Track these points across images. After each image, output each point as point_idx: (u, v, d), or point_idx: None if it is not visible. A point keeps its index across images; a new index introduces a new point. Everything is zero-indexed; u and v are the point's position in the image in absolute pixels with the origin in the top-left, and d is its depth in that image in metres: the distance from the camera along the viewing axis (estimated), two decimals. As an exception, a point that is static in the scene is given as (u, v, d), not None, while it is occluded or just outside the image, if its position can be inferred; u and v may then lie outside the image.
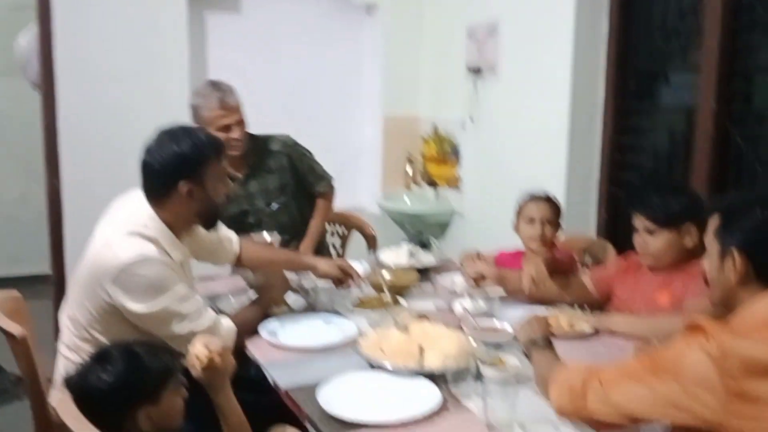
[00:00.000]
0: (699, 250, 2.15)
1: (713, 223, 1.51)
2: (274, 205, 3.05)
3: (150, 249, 1.95)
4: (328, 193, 3.22)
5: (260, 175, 3.02)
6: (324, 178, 3.20)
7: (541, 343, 1.79)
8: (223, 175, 2.11)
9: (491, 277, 2.44)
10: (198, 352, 1.67)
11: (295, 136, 3.13)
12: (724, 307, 1.47)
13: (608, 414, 1.43)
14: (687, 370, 1.31)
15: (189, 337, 1.96)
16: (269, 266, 2.48)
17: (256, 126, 3.03)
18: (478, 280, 2.47)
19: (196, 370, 1.66)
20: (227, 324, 2.08)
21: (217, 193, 2.07)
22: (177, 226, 2.06)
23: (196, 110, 2.85)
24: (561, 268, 2.58)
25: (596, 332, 2.20)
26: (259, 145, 3.01)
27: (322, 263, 2.51)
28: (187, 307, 1.98)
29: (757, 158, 2.80)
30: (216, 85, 2.86)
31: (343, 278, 2.47)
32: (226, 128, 2.83)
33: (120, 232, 1.97)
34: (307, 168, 3.13)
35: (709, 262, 1.52)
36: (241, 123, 2.88)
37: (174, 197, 2.01)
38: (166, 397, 1.61)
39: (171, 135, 2.01)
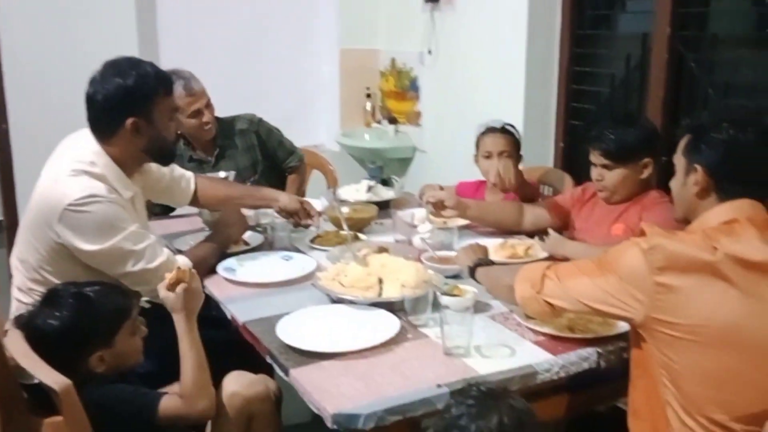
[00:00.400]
0: (653, 182, 2.21)
1: (683, 141, 1.54)
2: (247, 184, 3.01)
3: (98, 187, 1.91)
4: (299, 168, 3.21)
5: (230, 155, 3.01)
6: (294, 152, 3.18)
7: (483, 263, 1.88)
8: (172, 111, 2.05)
9: (451, 205, 2.45)
10: (181, 272, 1.68)
11: (249, 74, 3.07)
12: (686, 223, 1.53)
13: (561, 299, 1.54)
14: (623, 264, 1.41)
15: (142, 275, 1.95)
16: (227, 202, 2.44)
17: (208, 63, 2.95)
18: (437, 207, 2.46)
19: (163, 289, 1.66)
20: (182, 261, 2.06)
21: (166, 129, 2.02)
22: (126, 163, 2.01)
23: None
24: (525, 196, 2.61)
25: (551, 258, 2.22)
26: (225, 127, 3.01)
27: (282, 196, 2.48)
28: (139, 245, 1.95)
29: (711, 83, 2.82)
30: (177, 73, 2.77)
31: (302, 214, 2.44)
32: (197, 113, 2.86)
33: (67, 170, 1.91)
34: (276, 144, 3.12)
35: (675, 180, 1.57)
36: (209, 106, 2.90)
37: (120, 133, 1.95)
38: (120, 339, 1.59)
39: (116, 68, 1.94)
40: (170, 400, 1.59)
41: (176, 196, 2.42)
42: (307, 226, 2.48)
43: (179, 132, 2.09)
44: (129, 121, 1.94)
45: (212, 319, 2.37)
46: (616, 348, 1.67)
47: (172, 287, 1.68)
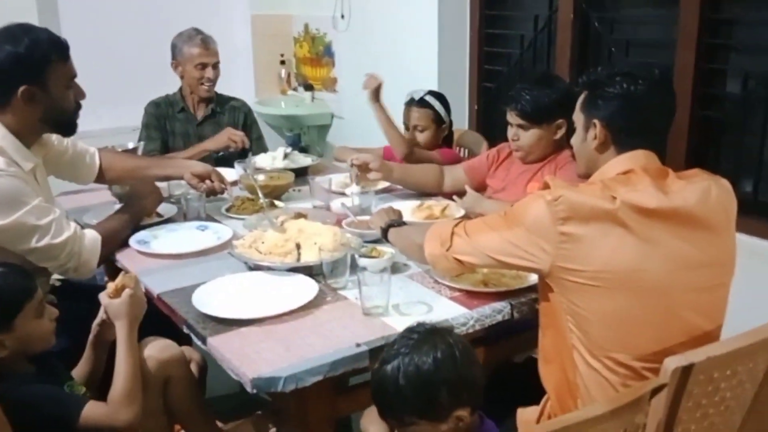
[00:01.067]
0: (567, 140, 2.27)
1: (581, 98, 1.58)
2: (221, 153, 3.03)
3: None
4: None
5: (215, 122, 3.16)
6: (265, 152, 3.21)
7: (395, 224, 1.90)
8: (69, 79, 1.96)
9: (376, 167, 2.45)
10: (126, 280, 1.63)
11: (158, 41, 3.03)
12: (587, 178, 1.58)
13: (470, 255, 1.57)
14: (529, 217, 1.45)
15: (48, 251, 1.88)
16: (135, 174, 2.38)
17: (113, 30, 2.84)
18: (363, 169, 2.46)
19: (106, 296, 1.61)
20: (90, 235, 2.00)
21: (63, 97, 1.93)
22: (23, 134, 1.92)
23: (176, 47, 3.08)
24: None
25: (468, 217, 2.26)
26: (221, 99, 3.22)
27: (192, 163, 2.43)
28: (43, 220, 1.87)
29: (614, 41, 2.90)
30: (200, 31, 3.10)
31: (214, 177, 2.39)
32: (203, 66, 3.06)
33: None
34: (255, 137, 3.24)
35: (575, 137, 1.61)
36: (216, 67, 3.11)
37: (14, 102, 1.86)
38: (21, 323, 1.50)
39: (7, 34, 1.84)
40: (94, 408, 1.52)
41: (81, 172, 2.34)
42: (221, 192, 2.44)
43: (78, 100, 1.99)
44: (21, 89, 1.85)
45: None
46: (528, 300, 1.73)
47: (116, 293, 1.62)
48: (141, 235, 2.16)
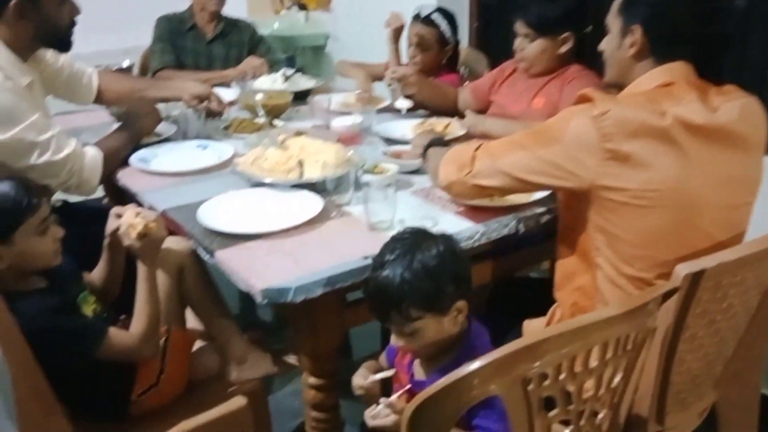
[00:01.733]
0: (573, 57, 2.22)
1: (617, 2, 1.52)
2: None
3: None
4: None
5: (225, 42, 3.21)
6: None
7: (435, 143, 1.84)
8: None
9: (414, 81, 2.41)
10: (132, 221, 1.54)
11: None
12: (617, 87, 1.54)
13: (493, 178, 1.52)
14: (569, 133, 1.39)
15: (49, 168, 1.86)
16: (132, 95, 2.34)
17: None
18: (402, 80, 2.41)
19: (129, 238, 1.53)
20: (91, 152, 1.97)
21: (56, 12, 1.88)
22: (17, 48, 1.87)
23: None
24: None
25: (469, 136, 2.24)
26: (229, 19, 3.28)
27: (190, 84, 2.40)
28: (42, 136, 1.85)
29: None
30: None
31: (213, 98, 2.36)
32: None
33: None
34: (265, 49, 3.30)
35: (608, 41, 1.55)
36: None
37: (7, 16, 1.82)
38: (20, 238, 1.47)
39: None
40: (114, 340, 1.49)
41: (79, 92, 2.30)
42: (220, 114, 2.40)
43: (73, 17, 1.94)
44: (12, 2, 1.80)
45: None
46: (534, 214, 1.72)
47: (140, 237, 1.56)
48: (141, 153, 2.13)
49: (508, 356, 0.99)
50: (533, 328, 1.61)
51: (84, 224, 2.00)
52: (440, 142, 1.87)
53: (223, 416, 1.62)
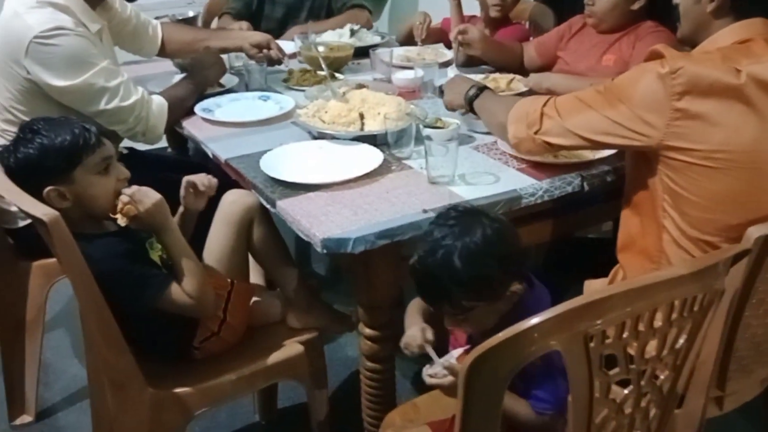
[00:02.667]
0: (645, 13, 2.14)
1: None
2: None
3: (64, 19, 1.82)
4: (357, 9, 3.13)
5: None
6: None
7: (477, 92, 1.78)
8: None
9: (480, 48, 2.36)
10: (122, 205, 1.49)
11: None
12: (691, 44, 1.48)
13: (561, 137, 1.48)
14: (638, 92, 1.34)
15: (117, 113, 1.90)
16: (193, 46, 2.36)
17: None
18: (467, 41, 2.36)
19: (124, 220, 1.50)
20: (158, 100, 2.01)
21: None
22: None
23: None
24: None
25: (531, 92, 2.19)
26: None
27: (249, 33, 2.42)
28: (111, 82, 1.88)
29: None
30: None
31: (273, 45, 2.36)
32: None
33: (29, 1, 1.81)
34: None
35: None
36: None
37: None
38: (80, 176, 1.47)
39: None
40: (176, 294, 1.50)
41: (144, 43, 2.34)
42: (279, 62, 2.41)
43: None
44: None
45: (190, 165, 2.35)
46: (600, 172, 1.69)
47: (132, 219, 1.50)
48: (205, 103, 2.15)
49: (571, 312, 0.97)
50: (594, 289, 1.58)
51: (151, 171, 2.04)
52: (480, 87, 1.79)
53: (280, 362, 1.66)
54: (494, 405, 1.04)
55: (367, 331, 1.62)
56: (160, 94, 2.06)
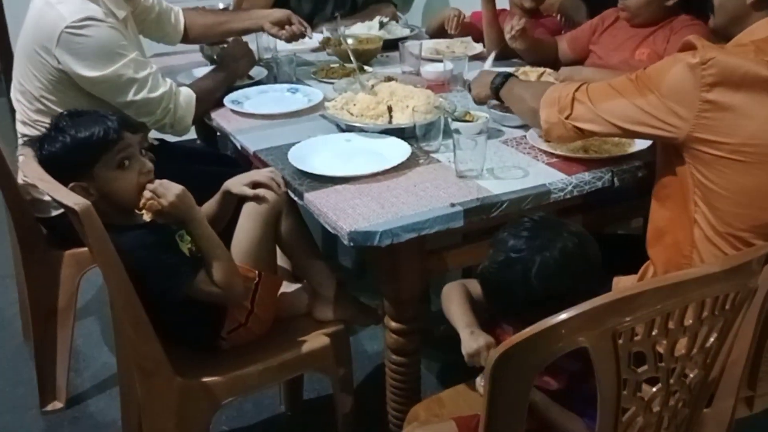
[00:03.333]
0: (680, 8, 2.10)
1: None
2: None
3: (94, 9, 1.84)
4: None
5: None
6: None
7: (503, 79, 1.78)
8: None
9: (525, 35, 2.31)
10: (145, 201, 1.49)
11: None
12: (724, 37, 1.46)
13: (592, 123, 1.47)
14: (667, 81, 1.33)
15: (145, 105, 1.91)
16: (215, 29, 2.37)
17: None
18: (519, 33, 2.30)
19: (149, 215, 1.51)
20: (186, 92, 2.02)
21: None
22: None
23: None
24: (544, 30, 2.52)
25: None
26: None
27: (268, 12, 2.41)
28: (141, 73, 1.90)
29: None
30: None
31: (293, 20, 2.35)
32: None
33: None
34: None
35: None
36: None
37: None
38: (100, 172, 1.48)
39: None
40: (204, 282, 1.51)
41: (168, 31, 2.35)
42: (303, 35, 2.40)
43: None
44: None
45: (218, 156, 2.38)
46: (631, 167, 1.66)
47: (153, 214, 1.51)
48: (234, 95, 2.16)
49: (600, 308, 0.96)
50: (623, 286, 1.56)
51: (180, 162, 2.08)
52: (506, 74, 1.80)
53: (306, 354, 1.66)
54: (520, 401, 1.04)
55: (393, 324, 1.62)
56: (188, 86, 2.08)
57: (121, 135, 1.50)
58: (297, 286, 1.77)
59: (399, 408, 1.68)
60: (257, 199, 1.62)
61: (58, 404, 2.19)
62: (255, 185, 1.63)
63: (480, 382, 1.29)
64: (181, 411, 1.58)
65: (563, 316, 0.96)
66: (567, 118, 1.51)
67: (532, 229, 1.25)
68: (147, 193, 1.49)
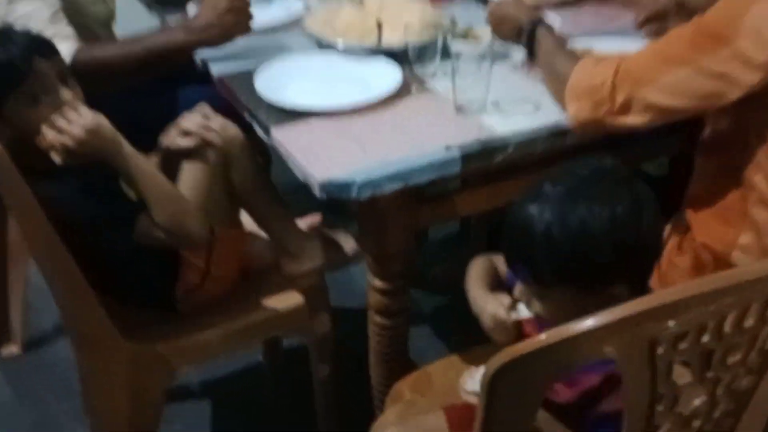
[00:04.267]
0: None
1: None
2: None
3: None
4: None
5: None
6: None
7: (531, 25, 1.39)
8: None
9: None
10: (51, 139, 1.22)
11: None
12: None
13: (642, 114, 1.14)
14: (746, 23, 1.01)
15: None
16: None
17: None
18: None
19: (57, 156, 1.24)
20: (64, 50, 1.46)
21: None
22: None
23: None
24: None
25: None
26: None
27: None
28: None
29: None
30: None
31: None
32: None
33: None
34: None
35: None
36: None
37: None
38: (10, 111, 1.23)
39: None
40: (150, 226, 1.28)
41: None
42: None
43: None
44: None
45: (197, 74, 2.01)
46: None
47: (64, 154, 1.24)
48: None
49: (635, 316, 0.72)
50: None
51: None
52: (540, 22, 1.40)
53: (277, 315, 1.45)
54: (523, 420, 0.81)
55: (377, 282, 1.39)
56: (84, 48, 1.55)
57: (31, 65, 1.21)
58: (262, 240, 1.53)
59: (384, 376, 1.47)
60: (198, 151, 1.34)
61: (13, 349, 2.00)
62: (188, 134, 1.35)
63: (469, 386, 1.06)
64: (133, 381, 1.38)
65: (590, 323, 0.72)
66: (606, 113, 1.16)
67: (575, 174, 0.96)
68: (47, 130, 1.20)
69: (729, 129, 1.14)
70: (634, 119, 1.14)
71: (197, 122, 1.35)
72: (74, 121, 1.20)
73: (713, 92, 1.05)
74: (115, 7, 1.87)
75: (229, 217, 1.44)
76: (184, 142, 1.34)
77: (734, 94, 1.03)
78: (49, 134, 1.20)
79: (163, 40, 1.54)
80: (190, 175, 1.34)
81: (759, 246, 1.12)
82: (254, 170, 1.46)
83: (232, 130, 1.41)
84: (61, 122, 1.20)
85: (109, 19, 1.84)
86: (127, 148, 1.26)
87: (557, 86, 1.28)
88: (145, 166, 1.28)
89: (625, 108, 1.14)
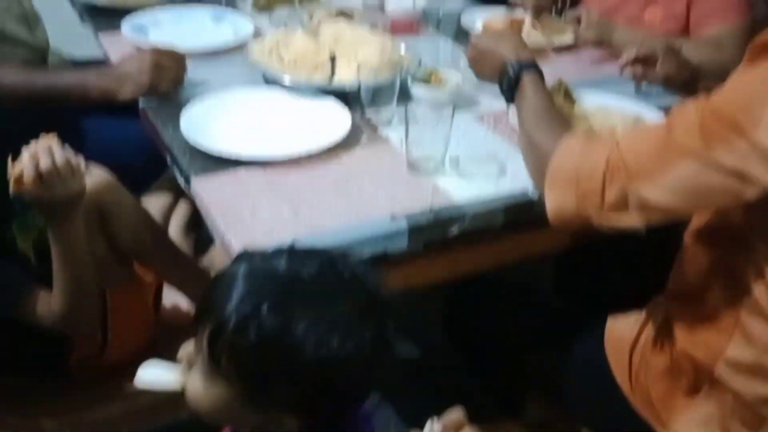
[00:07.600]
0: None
1: None
2: None
3: None
4: None
5: None
6: None
7: (518, 67, 1.15)
8: None
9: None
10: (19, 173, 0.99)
11: None
12: None
13: (636, 214, 0.92)
14: (766, 112, 0.81)
15: None
16: None
17: None
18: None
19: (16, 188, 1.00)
20: None
21: None
22: None
23: None
24: None
25: (580, 43, 1.67)
26: None
27: None
28: None
29: None
30: None
31: None
32: None
33: None
34: None
35: None
36: None
37: None
38: None
39: None
40: (41, 305, 1.09)
41: None
42: None
43: None
44: None
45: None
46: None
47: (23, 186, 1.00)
48: (139, 18, 1.67)
49: None
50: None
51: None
52: (532, 64, 1.16)
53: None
54: None
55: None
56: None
57: None
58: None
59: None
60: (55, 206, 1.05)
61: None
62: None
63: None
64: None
65: None
66: (593, 209, 0.94)
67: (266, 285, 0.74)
68: (26, 159, 0.97)
69: (729, 223, 0.96)
70: (628, 219, 0.92)
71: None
72: (78, 170, 1.01)
73: (725, 191, 0.85)
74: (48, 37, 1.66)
75: (119, 274, 1.23)
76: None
77: (749, 194, 0.84)
78: (25, 163, 0.97)
79: (73, 80, 1.37)
80: (64, 244, 1.09)
81: (749, 362, 0.95)
82: (138, 217, 1.25)
83: (99, 173, 1.20)
84: (67, 168, 0.99)
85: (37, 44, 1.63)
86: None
87: (535, 161, 1.06)
88: (80, 242, 1.08)
89: (618, 205, 0.92)
